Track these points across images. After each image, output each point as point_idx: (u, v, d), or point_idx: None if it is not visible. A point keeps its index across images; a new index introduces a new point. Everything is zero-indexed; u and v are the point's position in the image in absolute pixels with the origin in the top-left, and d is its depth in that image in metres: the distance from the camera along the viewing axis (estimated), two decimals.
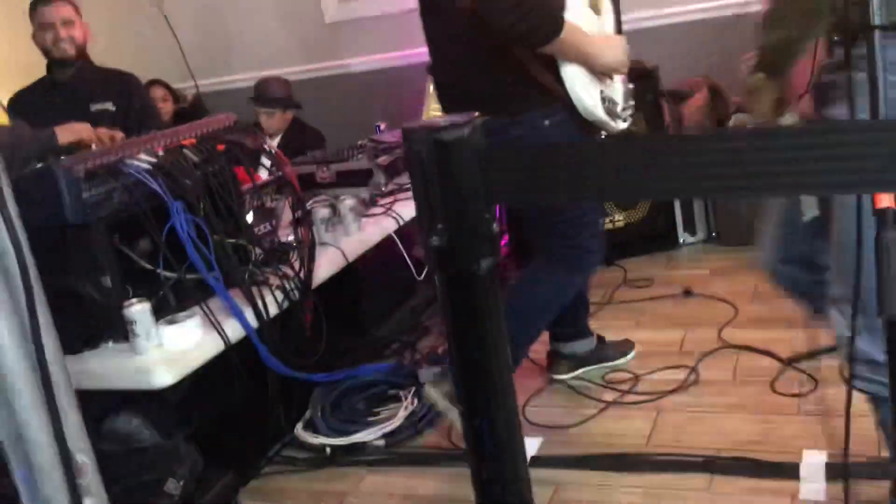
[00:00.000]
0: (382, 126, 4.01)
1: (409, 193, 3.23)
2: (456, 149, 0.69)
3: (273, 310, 2.29)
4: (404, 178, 3.38)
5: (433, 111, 3.98)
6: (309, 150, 3.77)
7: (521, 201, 0.58)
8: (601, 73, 2.24)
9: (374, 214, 3.05)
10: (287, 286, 2.37)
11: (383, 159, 3.36)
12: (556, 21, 2.06)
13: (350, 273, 2.76)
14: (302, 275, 2.42)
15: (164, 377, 1.93)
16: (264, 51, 4.48)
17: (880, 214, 0.87)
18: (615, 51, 2.25)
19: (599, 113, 2.21)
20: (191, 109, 4.54)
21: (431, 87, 4.00)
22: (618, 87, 2.36)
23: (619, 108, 2.34)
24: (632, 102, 2.43)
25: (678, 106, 3.52)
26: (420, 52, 4.22)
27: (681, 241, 3.63)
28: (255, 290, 2.27)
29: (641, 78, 3.24)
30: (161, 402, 2.05)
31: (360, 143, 3.76)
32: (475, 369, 0.74)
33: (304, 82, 4.32)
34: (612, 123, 2.30)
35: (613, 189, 0.68)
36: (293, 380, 2.33)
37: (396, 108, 4.21)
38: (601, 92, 2.24)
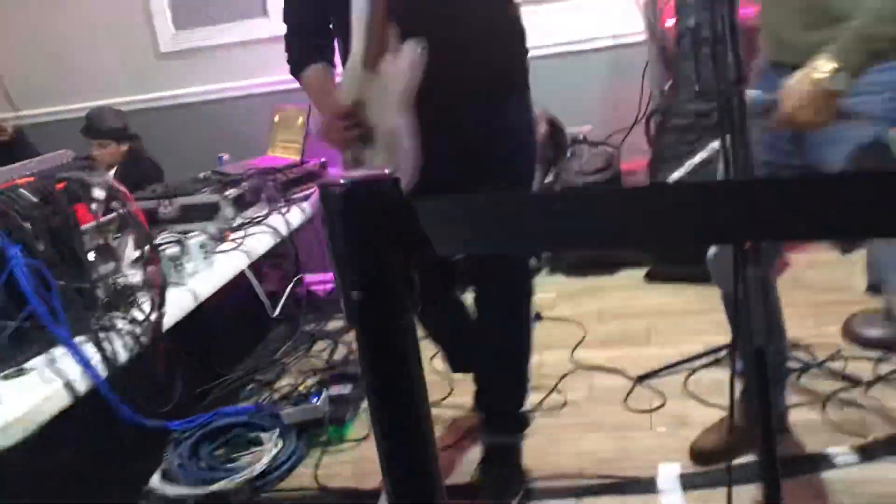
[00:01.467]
0: (225, 157, 3.89)
1: (260, 227, 3.16)
2: (373, 203, 0.69)
3: (123, 357, 2.16)
4: (252, 212, 3.30)
5: (280, 143, 3.92)
6: (147, 184, 3.61)
7: (442, 253, 0.60)
8: None
9: (225, 251, 2.96)
10: (137, 331, 2.25)
11: (231, 192, 3.26)
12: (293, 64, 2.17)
13: (200, 312, 2.65)
14: (152, 318, 2.30)
15: (1, 439, 1.77)
16: (95, 80, 4.25)
17: (743, 252, 0.94)
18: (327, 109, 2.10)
19: None
20: (10, 142, 4.22)
21: (277, 118, 3.95)
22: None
23: None
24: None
25: None
26: (260, 84, 4.18)
27: None
28: (102, 336, 2.14)
29: None
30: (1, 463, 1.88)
31: (202, 175, 3.64)
32: (396, 423, 0.73)
33: (139, 112, 4.13)
34: None
35: (535, 240, 0.70)
36: (148, 429, 2.21)
37: (238, 139, 4.11)
38: None
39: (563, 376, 2.71)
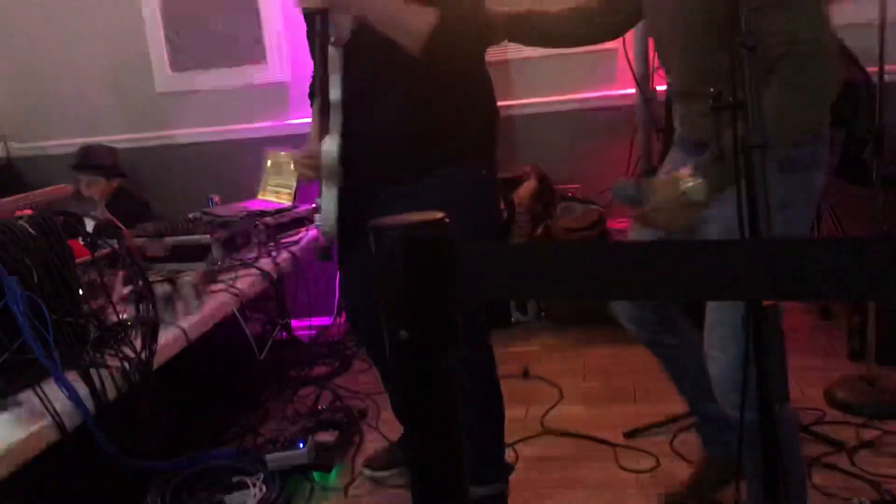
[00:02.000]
0: (216, 199, 3.90)
1: (250, 270, 3.16)
2: (429, 247, 0.71)
3: (111, 394, 2.13)
4: (242, 254, 3.30)
5: (270, 187, 3.94)
6: (135, 222, 3.60)
7: (493, 297, 0.61)
8: None
9: (214, 292, 2.95)
10: (127, 368, 2.22)
11: (221, 234, 3.27)
12: (310, 90, 2.36)
13: (187, 352, 2.63)
14: (143, 356, 2.28)
15: None
16: (88, 117, 4.25)
17: (763, 310, 0.97)
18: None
19: None
20: None
21: (269, 163, 3.98)
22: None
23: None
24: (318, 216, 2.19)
25: (510, 192, 3.72)
26: (253, 128, 4.22)
27: (513, 319, 3.78)
28: (92, 372, 2.12)
29: None
30: None
31: (191, 216, 3.64)
32: (434, 460, 0.74)
33: (131, 151, 4.14)
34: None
35: (585, 289, 0.72)
36: (131, 470, 2.17)
37: (228, 182, 4.13)
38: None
39: (547, 433, 2.70)
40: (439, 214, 0.73)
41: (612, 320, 3.56)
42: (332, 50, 2.05)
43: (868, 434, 2.46)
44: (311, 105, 2.34)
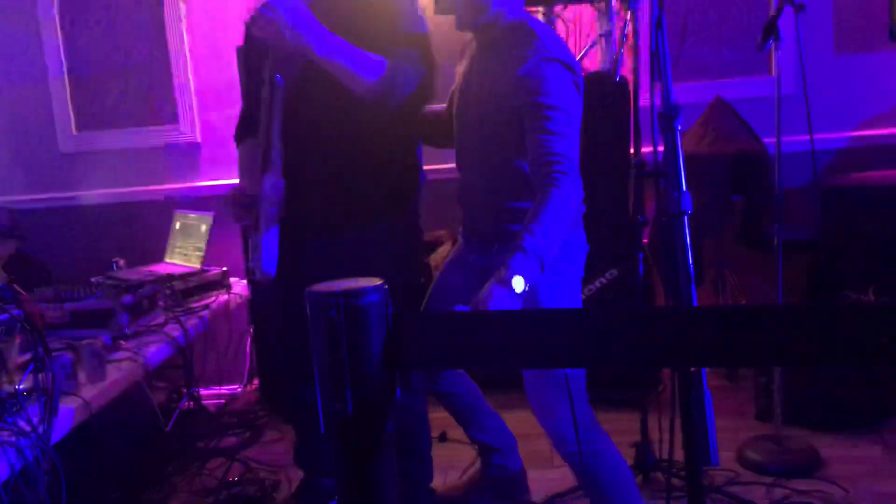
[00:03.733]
0: (120, 262, 3.77)
1: (157, 336, 3.04)
2: (365, 314, 0.69)
3: (4, 472, 1.99)
4: (149, 319, 3.17)
5: (178, 249, 3.83)
6: (34, 287, 3.43)
7: (431, 366, 0.59)
8: None
9: (118, 360, 2.81)
10: (21, 443, 2.08)
11: (126, 299, 3.14)
12: (236, 133, 2.37)
13: (88, 425, 2.49)
14: (41, 430, 2.15)
15: None
16: None
17: (692, 375, 0.98)
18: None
19: None
20: None
21: (178, 225, 3.87)
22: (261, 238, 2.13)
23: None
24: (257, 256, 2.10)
25: (427, 255, 3.73)
26: (162, 189, 4.11)
27: None
28: None
29: None
30: None
31: (94, 280, 3.50)
32: None
33: (31, 213, 3.97)
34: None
35: (522, 357, 0.71)
36: None
37: (134, 245, 4.00)
38: None
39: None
40: (378, 280, 0.71)
41: None
42: (266, 91, 2.05)
43: (778, 493, 2.51)
44: (239, 146, 2.34)
